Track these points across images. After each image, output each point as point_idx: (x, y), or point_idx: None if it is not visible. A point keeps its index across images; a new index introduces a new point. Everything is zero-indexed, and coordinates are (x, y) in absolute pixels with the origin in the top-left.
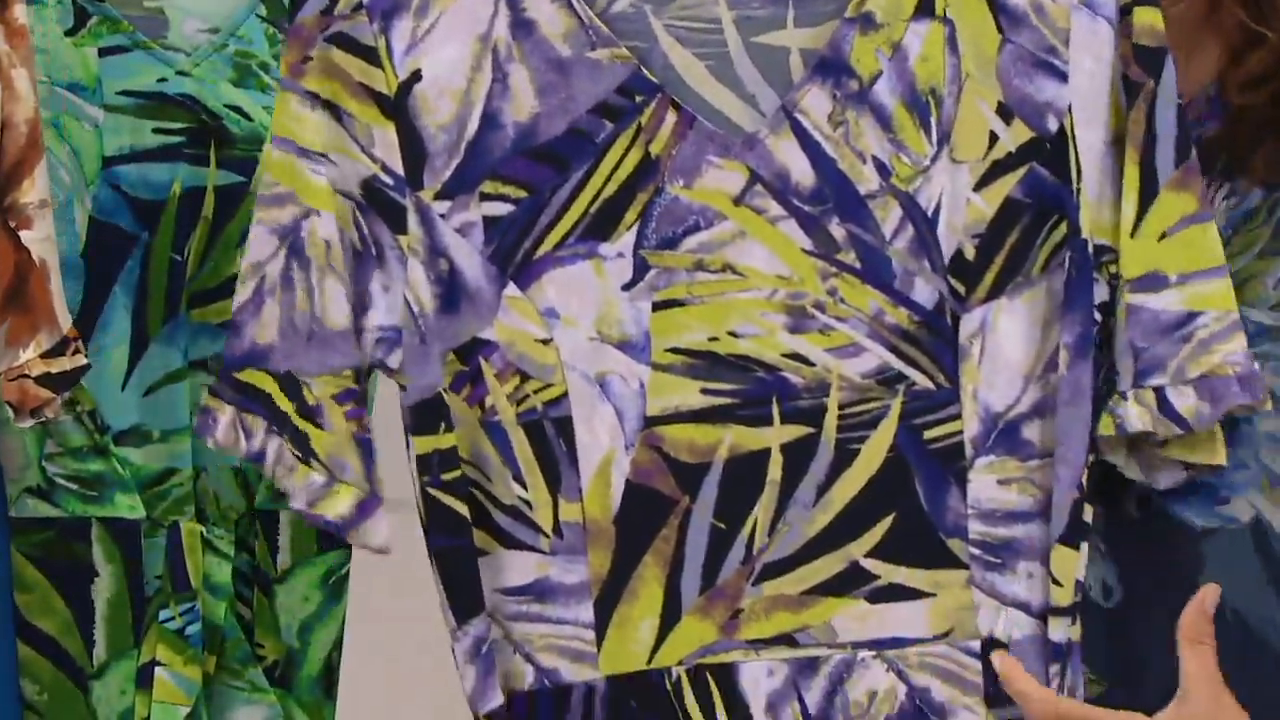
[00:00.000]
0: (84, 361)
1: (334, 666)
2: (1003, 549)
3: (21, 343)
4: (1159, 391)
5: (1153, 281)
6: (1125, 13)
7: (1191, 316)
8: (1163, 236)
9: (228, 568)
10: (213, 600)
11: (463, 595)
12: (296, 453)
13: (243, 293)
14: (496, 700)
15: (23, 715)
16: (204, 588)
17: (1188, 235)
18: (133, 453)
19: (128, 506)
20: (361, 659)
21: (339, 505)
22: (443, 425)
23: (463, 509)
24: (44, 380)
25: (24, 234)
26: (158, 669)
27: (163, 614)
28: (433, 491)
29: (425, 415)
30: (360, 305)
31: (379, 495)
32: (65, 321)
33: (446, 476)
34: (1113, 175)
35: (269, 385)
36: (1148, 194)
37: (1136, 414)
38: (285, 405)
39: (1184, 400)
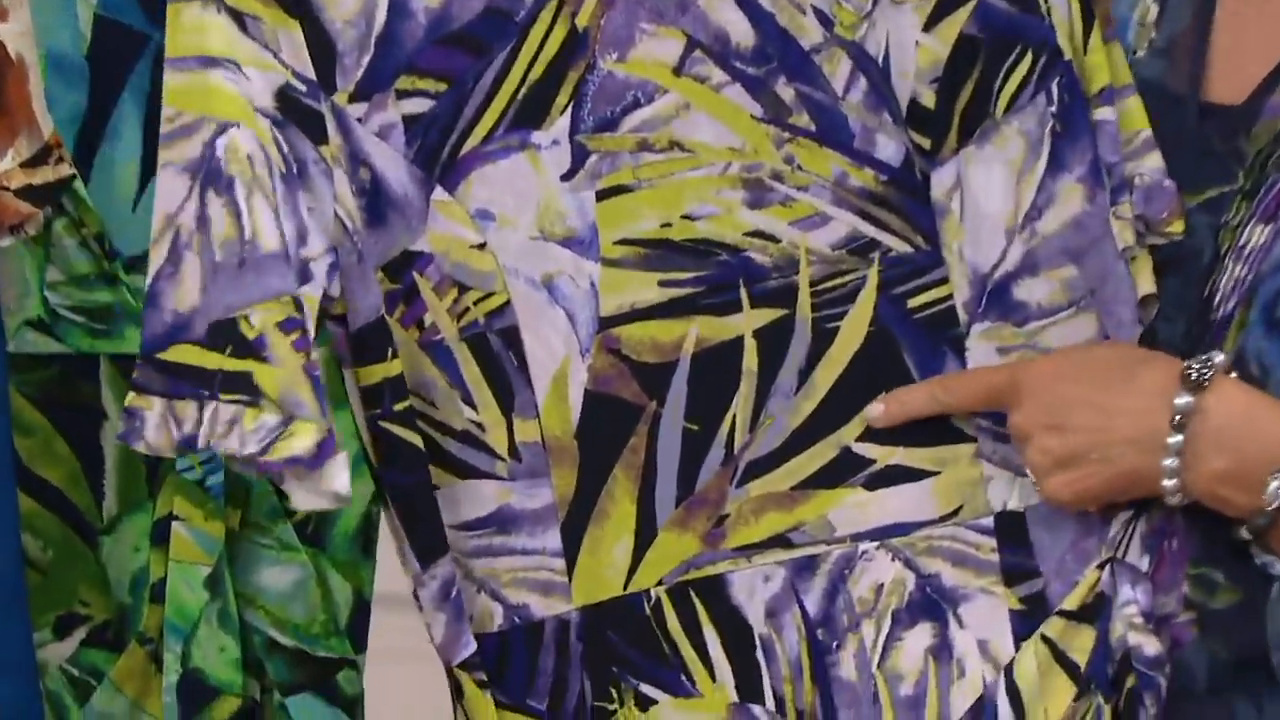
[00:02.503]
0: (68, 172)
1: (374, 522)
2: None
3: None
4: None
5: (1106, 96)
6: None
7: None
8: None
9: None
10: None
11: (425, 535)
12: (241, 397)
13: (156, 256)
14: (470, 648)
15: (25, 574)
16: None
17: (1110, 50)
18: (145, 281)
19: (139, 341)
20: None
21: (298, 443)
22: (390, 351)
23: (417, 440)
24: (25, 193)
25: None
26: (175, 524)
27: (180, 462)
28: (385, 425)
29: (371, 341)
30: (295, 234)
31: (335, 434)
32: (47, 127)
33: (398, 407)
34: None
35: (197, 357)
36: (1087, 9)
37: (1118, 229)
38: (216, 361)
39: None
